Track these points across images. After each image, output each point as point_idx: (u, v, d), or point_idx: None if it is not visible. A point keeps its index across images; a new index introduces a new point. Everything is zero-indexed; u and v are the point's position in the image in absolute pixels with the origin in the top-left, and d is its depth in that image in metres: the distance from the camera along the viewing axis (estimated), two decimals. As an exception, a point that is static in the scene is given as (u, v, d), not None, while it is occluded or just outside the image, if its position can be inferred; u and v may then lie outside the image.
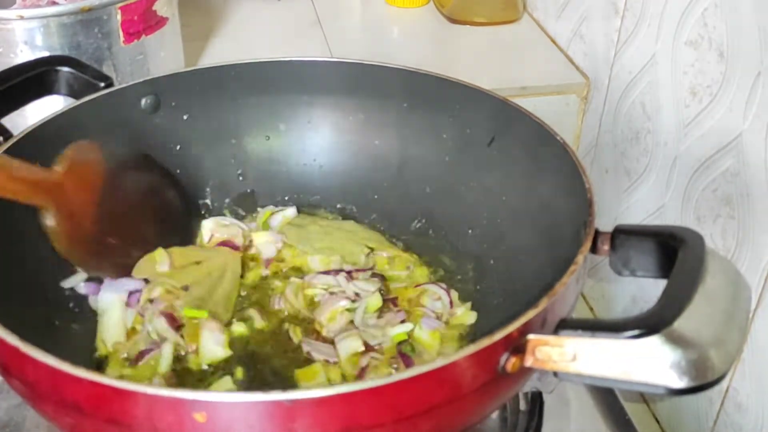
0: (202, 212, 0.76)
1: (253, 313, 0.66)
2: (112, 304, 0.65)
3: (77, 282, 0.65)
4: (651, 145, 0.82)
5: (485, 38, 1.07)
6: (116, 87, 0.68)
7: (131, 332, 0.64)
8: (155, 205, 0.71)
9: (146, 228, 0.70)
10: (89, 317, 0.65)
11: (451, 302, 0.67)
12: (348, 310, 0.65)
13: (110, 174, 0.66)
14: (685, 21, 0.74)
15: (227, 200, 0.77)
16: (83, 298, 0.65)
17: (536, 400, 0.66)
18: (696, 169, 0.74)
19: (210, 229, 0.73)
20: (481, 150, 0.70)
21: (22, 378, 0.46)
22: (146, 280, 0.66)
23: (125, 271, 0.67)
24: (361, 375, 0.60)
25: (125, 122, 0.69)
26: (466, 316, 0.66)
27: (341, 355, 0.61)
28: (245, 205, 0.77)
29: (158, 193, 0.72)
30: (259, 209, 0.77)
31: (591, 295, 0.96)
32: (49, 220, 0.60)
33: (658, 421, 0.83)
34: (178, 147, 0.74)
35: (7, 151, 0.60)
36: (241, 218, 0.76)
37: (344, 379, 0.61)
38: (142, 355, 0.62)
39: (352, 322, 0.65)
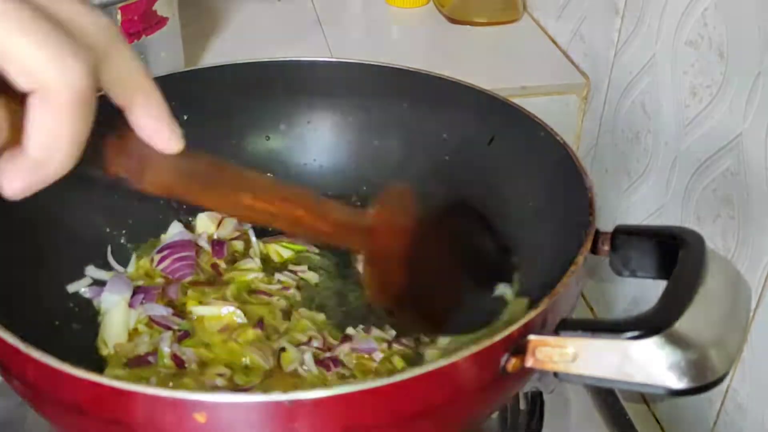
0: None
1: None
2: (115, 305, 0.64)
3: (81, 286, 0.65)
4: (651, 145, 0.82)
5: (485, 38, 1.07)
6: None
7: (133, 333, 0.64)
8: (466, 255, 0.66)
9: (455, 278, 0.64)
10: (90, 317, 0.65)
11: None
12: None
13: (422, 219, 0.61)
14: (685, 21, 0.74)
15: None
16: (84, 299, 0.65)
17: (536, 400, 0.66)
18: (696, 169, 0.74)
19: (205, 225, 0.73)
20: (481, 150, 0.70)
21: (22, 378, 0.46)
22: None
23: (428, 326, 0.62)
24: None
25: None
26: None
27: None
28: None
29: (470, 242, 0.66)
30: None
31: (591, 296, 0.96)
32: (360, 265, 0.57)
33: (658, 422, 0.83)
34: (178, 147, 0.74)
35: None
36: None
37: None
38: (141, 359, 0.61)
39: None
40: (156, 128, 0.42)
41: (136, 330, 0.64)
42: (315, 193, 0.54)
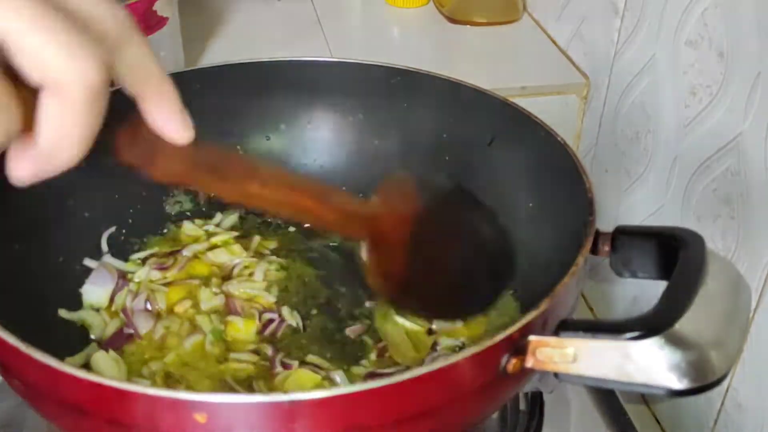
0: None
1: None
2: (98, 297, 0.66)
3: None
4: (651, 145, 0.82)
5: (485, 38, 1.07)
6: (116, 87, 0.68)
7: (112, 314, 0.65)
8: (469, 243, 0.65)
9: (457, 266, 0.64)
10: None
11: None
12: None
13: (424, 207, 0.62)
14: (685, 21, 0.74)
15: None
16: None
17: (536, 401, 0.66)
18: (696, 169, 0.74)
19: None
20: (481, 150, 0.70)
21: (22, 378, 0.46)
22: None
23: (437, 315, 0.63)
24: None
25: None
26: None
27: None
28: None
29: (473, 230, 0.66)
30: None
31: (591, 296, 0.96)
32: (364, 254, 0.57)
33: (658, 422, 0.83)
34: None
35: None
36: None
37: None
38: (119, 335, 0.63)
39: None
40: (167, 118, 0.42)
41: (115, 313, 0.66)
42: (320, 182, 0.55)
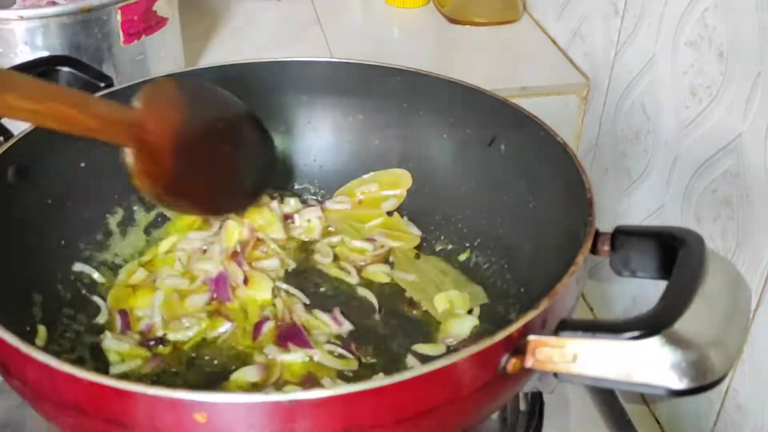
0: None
1: None
2: None
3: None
4: (651, 145, 0.82)
5: (485, 38, 1.07)
6: (116, 87, 0.68)
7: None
8: (237, 147, 0.71)
9: (227, 169, 0.70)
10: (90, 314, 0.65)
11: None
12: None
13: (189, 111, 0.65)
14: (685, 21, 0.74)
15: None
16: (83, 294, 0.66)
17: (536, 401, 0.66)
18: (696, 170, 0.74)
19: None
20: (481, 150, 0.70)
21: (22, 378, 0.46)
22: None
23: (205, 211, 0.69)
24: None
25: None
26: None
27: None
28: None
29: (240, 136, 0.72)
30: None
31: (591, 296, 0.96)
32: (129, 158, 0.59)
33: (658, 422, 0.83)
34: (178, 147, 0.74)
35: (8, 151, 0.61)
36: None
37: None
38: None
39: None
40: None
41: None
42: (80, 92, 0.57)
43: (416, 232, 0.74)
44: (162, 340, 0.63)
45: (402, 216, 0.75)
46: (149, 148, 0.61)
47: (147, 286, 0.68)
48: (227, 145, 0.69)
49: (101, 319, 0.65)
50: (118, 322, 0.65)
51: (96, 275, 0.68)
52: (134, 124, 0.60)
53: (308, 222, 0.74)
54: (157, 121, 0.62)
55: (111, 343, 0.62)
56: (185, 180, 0.64)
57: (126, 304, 0.66)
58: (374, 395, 0.42)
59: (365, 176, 0.76)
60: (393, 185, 0.76)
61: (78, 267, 0.67)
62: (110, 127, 0.58)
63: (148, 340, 0.63)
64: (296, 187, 0.78)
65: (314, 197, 0.77)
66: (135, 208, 0.72)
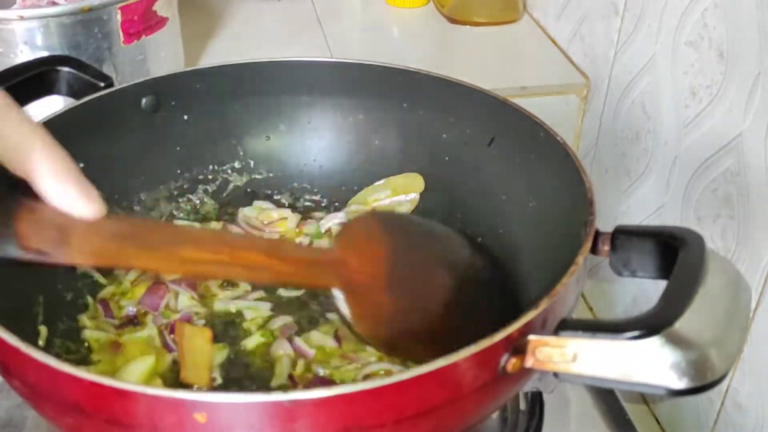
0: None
1: None
2: None
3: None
4: (651, 145, 0.82)
5: (485, 38, 1.07)
6: (116, 87, 0.68)
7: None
8: (456, 274, 0.62)
9: (446, 300, 0.59)
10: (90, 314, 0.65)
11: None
12: None
13: (393, 242, 0.58)
14: (685, 21, 0.74)
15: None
16: (83, 294, 0.66)
17: (536, 401, 0.66)
18: (696, 169, 0.74)
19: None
20: (481, 150, 0.70)
21: (22, 378, 0.46)
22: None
23: (423, 353, 0.54)
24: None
25: (125, 122, 0.69)
26: None
27: None
28: (244, 206, 0.77)
29: (458, 261, 0.64)
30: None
31: (591, 296, 0.97)
32: (342, 304, 0.53)
33: (658, 422, 0.83)
34: (177, 147, 0.74)
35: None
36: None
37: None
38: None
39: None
40: (63, 190, 0.38)
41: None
42: (266, 237, 0.52)
43: None
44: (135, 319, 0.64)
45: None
46: (360, 288, 0.53)
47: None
48: (442, 274, 0.60)
49: (87, 314, 0.65)
50: (100, 312, 0.65)
51: (96, 276, 0.68)
52: (337, 263, 0.53)
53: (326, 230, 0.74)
54: (361, 258, 0.55)
55: (90, 333, 0.62)
56: (406, 318, 0.55)
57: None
58: (374, 395, 0.42)
59: (378, 183, 0.76)
60: (406, 189, 0.75)
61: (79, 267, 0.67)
62: (309, 270, 0.51)
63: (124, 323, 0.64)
64: (296, 187, 0.78)
65: (315, 197, 0.78)
66: (136, 208, 0.72)
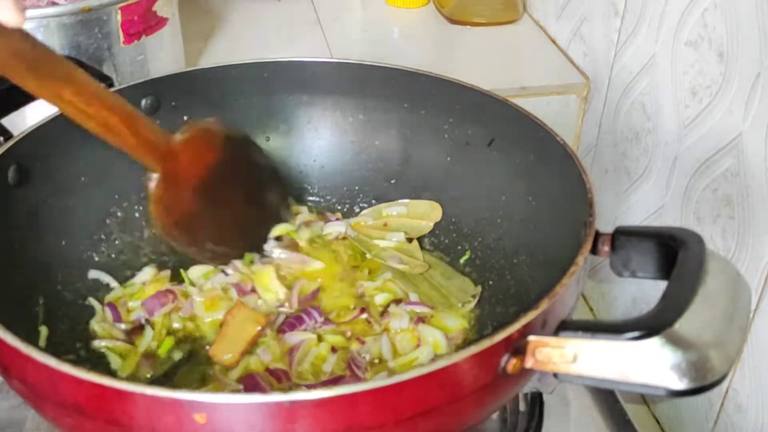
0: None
1: None
2: None
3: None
4: (651, 145, 0.82)
5: (485, 38, 1.07)
6: (116, 87, 0.68)
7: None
8: (256, 201, 0.71)
9: (241, 222, 0.70)
10: (90, 315, 0.65)
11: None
12: None
13: (224, 157, 0.66)
14: (685, 21, 0.74)
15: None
16: (83, 295, 0.66)
17: (536, 401, 0.66)
18: (696, 169, 0.74)
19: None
20: (481, 150, 0.70)
21: (22, 379, 0.46)
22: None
23: (210, 258, 0.68)
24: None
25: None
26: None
27: None
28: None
29: (262, 190, 0.72)
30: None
31: (591, 296, 0.97)
32: (152, 183, 0.60)
33: (658, 422, 0.83)
34: (178, 147, 0.74)
35: (8, 152, 0.60)
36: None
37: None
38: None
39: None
40: None
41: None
42: (132, 106, 0.57)
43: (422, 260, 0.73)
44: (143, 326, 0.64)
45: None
46: (175, 180, 0.61)
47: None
48: (245, 197, 0.70)
49: (95, 321, 0.65)
50: (108, 316, 0.65)
51: (96, 275, 0.68)
52: (170, 153, 0.60)
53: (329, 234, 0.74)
54: (192, 157, 0.62)
55: (99, 344, 0.63)
56: (197, 221, 0.65)
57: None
58: (374, 395, 0.42)
59: (402, 200, 0.76)
60: (423, 216, 0.75)
61: (78, 268, 0.67)
62: (147, 148, 0.58)
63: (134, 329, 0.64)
64: (297, 187, 0.78)
65: (316, 197, 0.78)
66: (136, 208, 0.72)
